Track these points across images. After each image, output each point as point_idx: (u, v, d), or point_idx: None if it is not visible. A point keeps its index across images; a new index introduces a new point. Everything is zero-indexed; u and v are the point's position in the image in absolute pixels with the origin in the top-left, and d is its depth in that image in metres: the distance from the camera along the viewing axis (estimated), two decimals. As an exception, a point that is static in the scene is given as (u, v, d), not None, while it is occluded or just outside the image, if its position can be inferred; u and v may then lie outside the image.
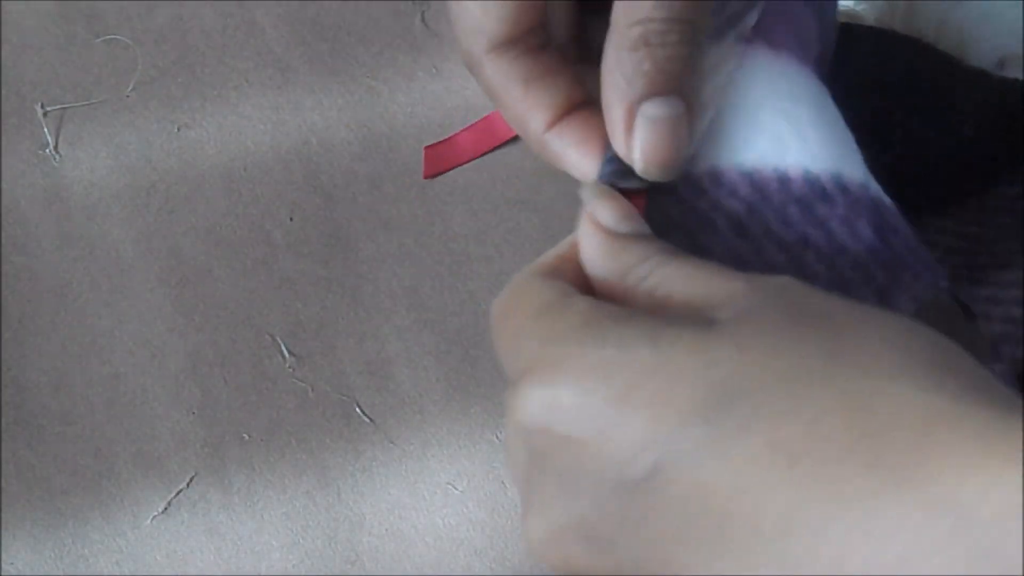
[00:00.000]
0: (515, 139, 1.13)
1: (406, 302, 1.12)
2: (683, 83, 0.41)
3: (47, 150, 1.15)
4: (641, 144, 0.43)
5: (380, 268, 1.13)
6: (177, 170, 1.14)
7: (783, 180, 0.42)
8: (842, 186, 0.41)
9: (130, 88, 1.17)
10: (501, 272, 1.14)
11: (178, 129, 1.16)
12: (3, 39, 1.18)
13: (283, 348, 1.11)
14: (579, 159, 0.45)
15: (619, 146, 0.43)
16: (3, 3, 1.18)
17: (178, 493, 1.08)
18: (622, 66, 0.41)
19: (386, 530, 1.09)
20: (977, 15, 0.47)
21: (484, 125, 1.12)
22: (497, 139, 1.11)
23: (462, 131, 1.13)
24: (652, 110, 0.42)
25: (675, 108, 0.41)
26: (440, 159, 1.10)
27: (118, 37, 1.18)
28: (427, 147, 1.09)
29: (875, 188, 0.41)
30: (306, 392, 1.10)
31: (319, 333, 1.13)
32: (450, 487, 1.09)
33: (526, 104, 0.45)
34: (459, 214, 1.14)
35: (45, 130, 1.15)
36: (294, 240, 1.14)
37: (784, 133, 0.42)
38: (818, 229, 0.41)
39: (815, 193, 0.41)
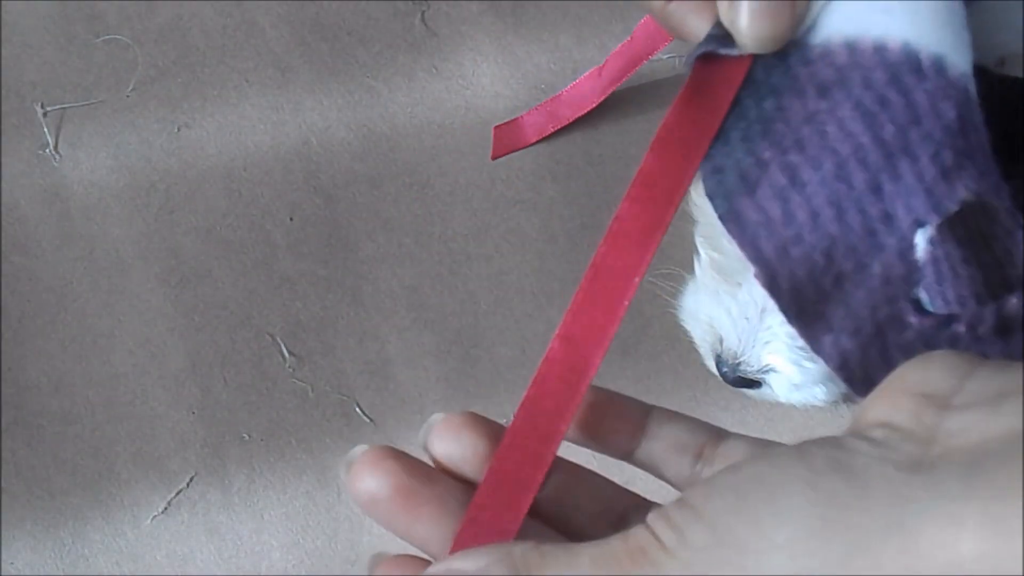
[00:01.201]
0: (577, 121, 1.12)
1: (406, 302, 1.12)
2: None
3: (47, 150, 1.15)
4: (743, 16, 0.43)
5: (380, 268, 1.13)
6: (177, 170, 1.14)
7: (880, 48, 0.42)
8: (940, 68, 0.41)
9: (130, 88, 1.17)
10: (501, 272, 1.14)
11: (178, 129, 1.16)
12: (3, 39, 1.18)
13: (283, 348, 1.11)
14: (699, 24, 0.44)
15: (724, 16, 0.43)
16: (3, 3, 1.18)
17: (178, 493, 1.08)
18: None
19: (386, 531, 1.09)
20: (975, 15, 0.47)
21: (550, 107, 1.12)
22: (561, 121, 1.11)
23: (528, 112, 1.13)
24: None
25: None
26: (508, 140, 1.10)
27: (118, 37, 1.18)
28: (496, 127, 1.09)
29: (974, 87, 0.41)
30: (306, 392, 1.10)
31: (319, 333, 1.13)
32: (450, 487, 1.09)
33: None
34: (459, 214, 1.14)
35: (45, 130, 1.15)
36: (294, 240, 1.14)
37: (898, 8, 0.42)
38: (900, 95, 0.40)
39: (909, 65, 0.41)
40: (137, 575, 1.06)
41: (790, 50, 0.43)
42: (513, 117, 1.14)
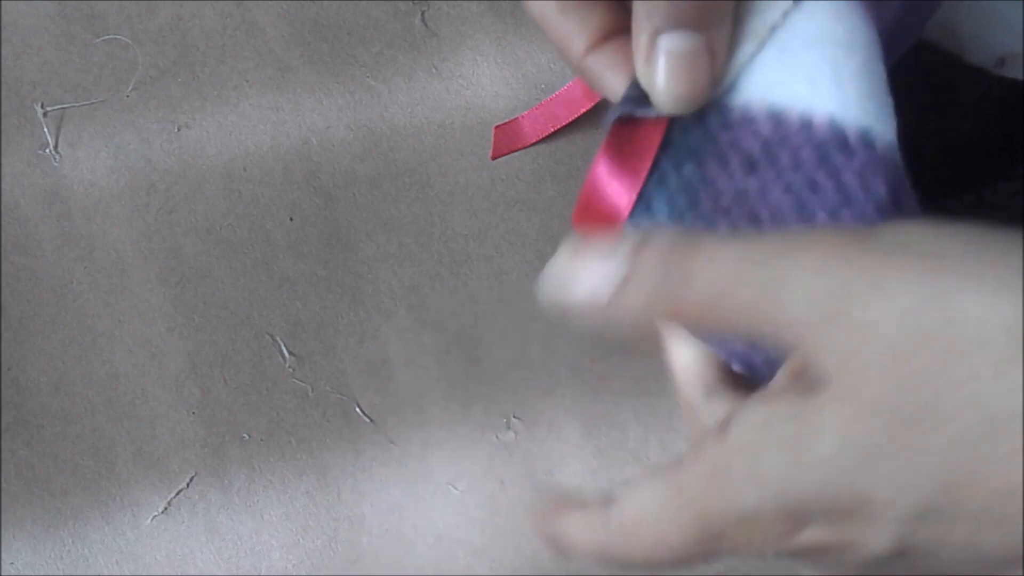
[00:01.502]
0: (577, 121, 1.12)
1: (406, 302, 1.12)
2: (707, 19, 0.41)
3: (47, 150, 1.15)
4: (659, 75, 0.42)
5: (380, 268, 1.13)
6: (177, 170, 1.14)
7: (806, 124, 0.41)
8: (868, 141, 0.41)
9: (130, 88, 1.17)
10: (501, 272, 1.14)
11: (178, 129, 1.16)
12: (3, 39, 1.18)
13: (283, 348, 1.11)
14: (615, 82, 0.44)
15: (640, 74, 0.42)
16: (3, 3, 1.18)
17: (178, 493, 1.08)
18: None
19: (386, 530, 1.09)
20: (976, 15, 0.47)
21: (548, 107, 1.12)
22: (560, 121, 1.11)
23: (527, 112, 1.13)
24: (670, 43, 0.42)
25: (693, 43, 0.41)
26: (507, 140, 1.09)
27: (118, 37, 1.18)
28: (496, 127, 1.09)
29: (899, 155, 0.41)
30: (306, 392, 1.10)
31: (319, 333, 1.13)
32: (450, 487, 1.09)
33: (566, 29, 0.43)
34: (459, 214, 1.14)
35: (45, 130, 1.15)
36: (294, 240, 1.13)
37: (823, 79, 0.41)
38: (829, 177, 0.40)
39: (836, 142, 0.41)
40: (137, 575, 1.06)
41: (708, 110, 0.42)
42: (509, 112, 1.14)
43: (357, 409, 1.09)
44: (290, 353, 1.10)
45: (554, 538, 0.43)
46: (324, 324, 1.11)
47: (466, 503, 1.08)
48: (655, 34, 0.42)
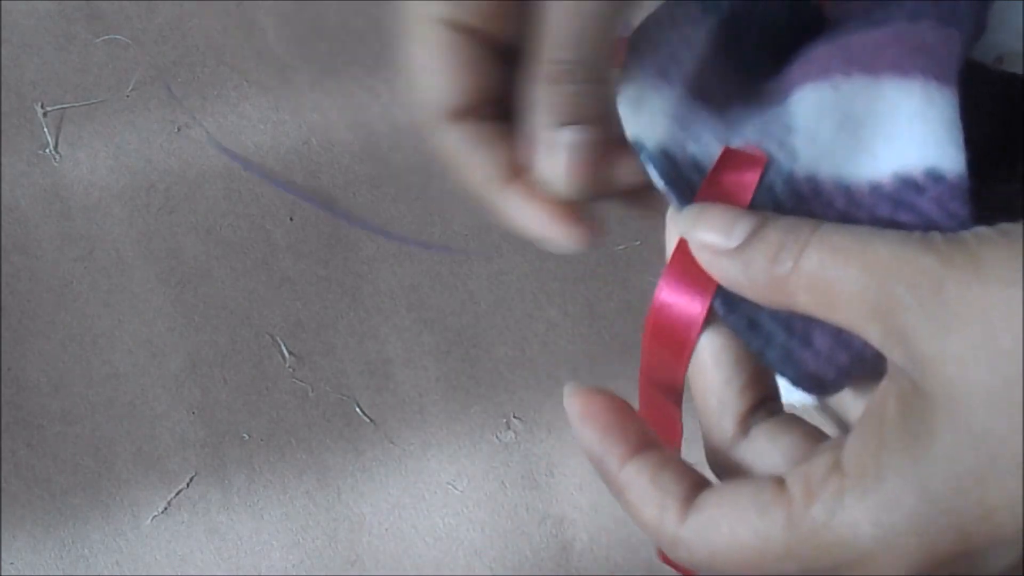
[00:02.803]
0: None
1: (406, 302, 1.12)
2: (593, 114, 0.43)
3: (47, 150, 1.15)
4: (553, 166, 0.44)
5: (380, 268, 1.13)
6: (177, 170, 1.14)
7: (874, 187, 0.42)
8: (937, 176, 0.42)
9: (130, 88, 1.17)
10: (501, 272, 1.14)
11: (178, 129, 1.16)
12: (3, 39, 1.18)
13: (283, 348, 1.11)
14: (527, 218, 0.45)
15: (539, 169, 0.44)
16: (3, 3, 1.18)
17: (178, 493, 1.08)
18: (539, 96, 0.43)
19: (386, 530, 1.09)
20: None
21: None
22: None
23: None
24: (562, 137, 0.44)
25: (581, 135, 0.43)
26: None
27: (118, 37, 1.18)
28: (618, 39, 1.06)
29: (970, 184, 0.42)
30: (306, 392, 1.10)
31: (319, 333, 1.13)
32: (450, 487, 1.09)
33: (479, 167, 0.45)
34: (459, 214, 1.14)
35: (45, 130, 1.15)
36: (294, 240, 1.14)
37: (879, 145, 0.42)
38: (910, 213, 0.41)
39: (906, 186, 0.42)
40: (137, 575, 1.06)
41: (774, 182, 0.43)
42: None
43: (357, 409, 1.09)
44: (290, 353, 1.10)
45: (623, 502, 0.43)
46: (324, 324, 1.11)
47: (466, 503, 1.08)
48: (552, 129, 0.43)
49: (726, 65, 0.46)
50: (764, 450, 0.42)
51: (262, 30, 1.18)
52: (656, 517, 0.41)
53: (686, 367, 0.44)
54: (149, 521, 1.07)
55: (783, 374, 0.42)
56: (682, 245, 0.43)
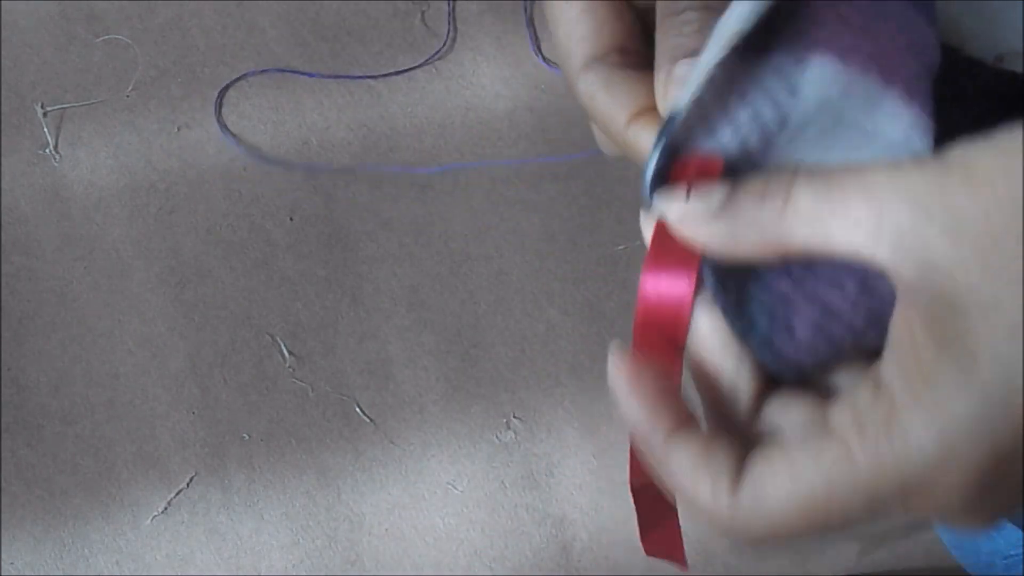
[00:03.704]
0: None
1: (406, 302, 1.12)
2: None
3: (47, 150, 1.15)
4: (673, 97, 0.45)
5: (380, 268, 1.13)
6: (177, 170, 1.14)
7: None
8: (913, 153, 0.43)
9: (130, 88, 1.17)
10: (501, 272, 1.14)
11: (178, 129, 1.16)
12: (3, 39, 1.18)
13: (283, 348, 1.11)
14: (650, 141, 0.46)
15: (660, 104, 0.45)
16: (3, 3, 1.18)
17: (178, 493, 1.08)
18: (664, 34, 0.44)
19: (386, 530, 1.09)
20: (975, 11, 0.47)
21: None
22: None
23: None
24: (682, 69, 0.44)
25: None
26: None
27: (118, 37, 1.18)
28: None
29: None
30: (306, 392, 1.10)
31: (319, 333, 1.13)
32: (450, 487, 1.09)
33: (608, 106, 0.45)
34: (459, 214, 1.14)
35: (45, 130, 1.15)
36: (294, 240, 1.14)
37: (859, 142, 0.44)
38: None
39: None
40: (137, 575, 1.06)
41: (747, 173, 0.43)
42: (509, 112, 1.14)
43: (357, 409, 1.09)
44: (290, 353, 1.10)
45: (667, 484, 0.42)
46: (324, 324, 1.11)
47: (466, 503, 1.08)
48: (671, 65, 0.44)
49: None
50: (780, 419, 0.42)
51: (262, 30, 1.18)
52: (708, 492, 0.40)
53: (683, 348, 0.44)
54: (149, 521, 1.07)
55: (762, 359, 0.42)
56: (658, 235, 0.43)
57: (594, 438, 1.10)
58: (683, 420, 0.42)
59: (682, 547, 0.47)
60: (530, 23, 1.16)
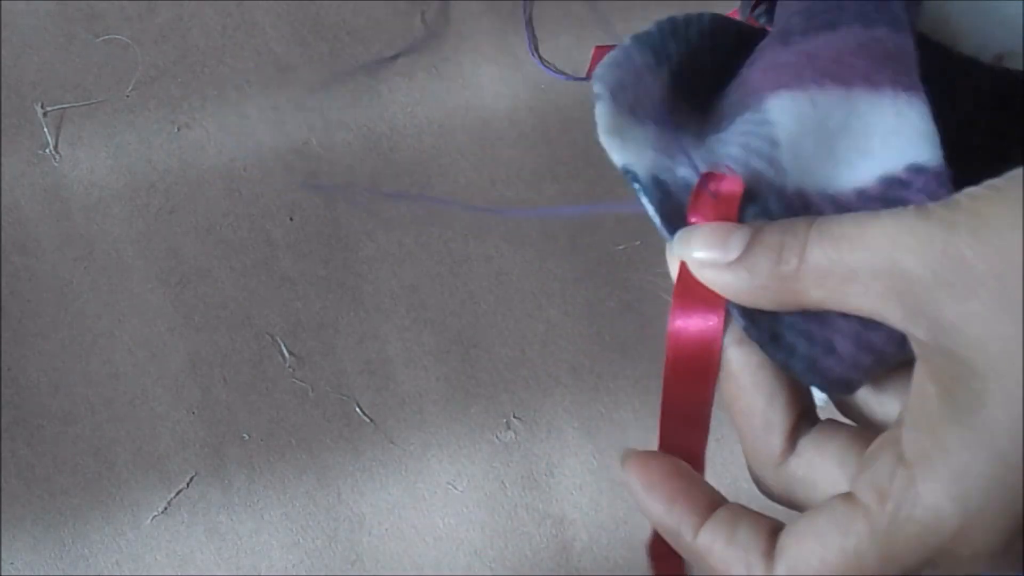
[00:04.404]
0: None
1: (406, 302, 1.12)
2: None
3: (47, 150, 1.15)
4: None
5: (380, 268, 1.13)
6: (177, 170, 1.14)
7: (860, 193, 0.43)
8: (918, 168, 0.42)
9: (130, 88, 1.17)
10: (501, 272, 1.14)
11: (178, 129, 1.16)
12: (3, 39, 1.18)
13: (283, 348, 1.11)
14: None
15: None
16: (3, 3, 1.18)
17: (178, 493, 1.08)
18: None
19: (386, 530, 1.09)
20: (973, 12, 0.47)
21: None
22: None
23: None
24: None
25: None
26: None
27: (118, 37, 1.18)
28: (597, 47, 1.04)
29: (949, 173, 0.43)
30: (306, 392, 1.10)
31: (319, 333, 1.13)
32: (450, 487, 1.09)
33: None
34: (459, 214, 1.14)
35: (45, 130, 1.15)
36: (294, 240, 1.13)
37: (854, 157, 0.43)
38: (898, 204, 0.42)
39: (891, 187, 0.43)
40: (137, 575, 1.06)
41: (768, 196, 0.43)
42: (509, 112, 1.14)
43: (357, 409, 1.09)
44: (290, 353, 1.10)
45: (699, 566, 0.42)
46: (324, 324, 1.11)
47: (466, 503, 1.08)
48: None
49: (691, 104, 0.46)
50: (815, 461, 0.42)
51: (262, 30, 1.18)
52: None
53: (713, 387, 0.44)
54: (149, 521, 1.07)
55: (810, 383, 0.42)
56: (683, 273, 0.43)
57: (594, 438, 1.10)
58: (704, 506, 0.42)
59: None
60: (529, 23, 1.17)
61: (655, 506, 0.42)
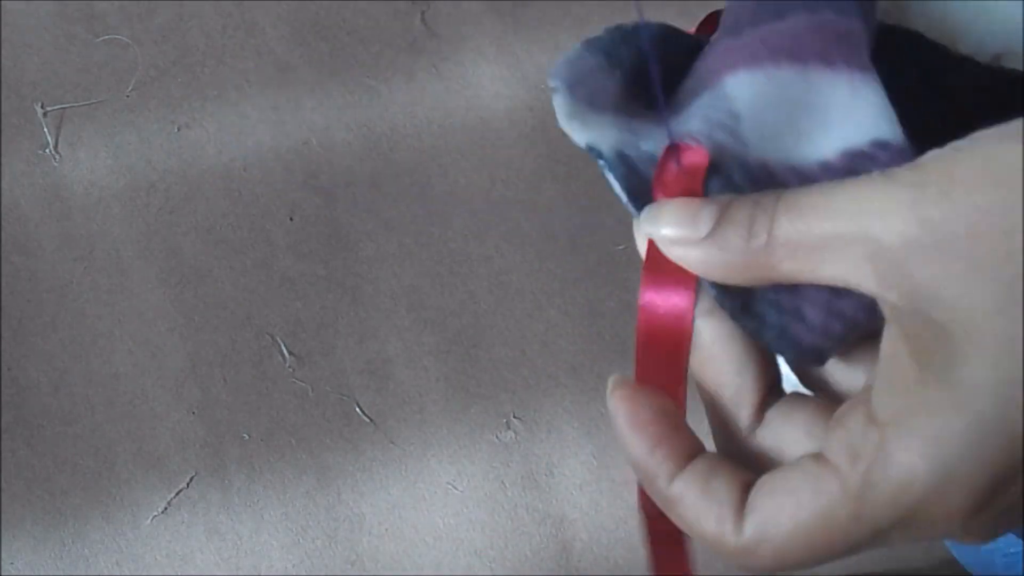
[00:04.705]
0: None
1: (406, 302, 1.12)
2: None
3: (47, 150, 1.15)
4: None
5: (380, 268, 1.13)
6: (177, 170, 1.14)
7: (824, 166, 0.43)
8: (881, 144, 0.43)
9: (130, 88, 1.17)
10: (501, 272, 1.14)
11: (178, 129, 1.16)
12: (3, 39, 1.18)
13: (283, 348, 1.11)
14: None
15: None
16: (3, 3, 1.18)
17: (178, 493, 1.08)
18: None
19: (386, 530, 1.09)
20: (972, 12, 0.47)
21: None
22: None
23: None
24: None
25: None
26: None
27: (118, 37, 1.18)
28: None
29: (911, 147, 0.43)
30: (306, 392, 1.10)
31: (319, 333, 1.13)
32: (450, 487, 1.09)
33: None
34: (459, 214, 1.14)
35: (45, 130, 1.15)
36: (294, 240, 1.14)
37: (814, 130, 0.44)
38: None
39: (855, 160, 0.43)
40: (137, 575, 1.06)
41: (732, 168, 0.44)
42: (509, 112, 1.14)
43: (357, 409, 1.09)
44: (290, 353, 1.10)
45: (672, 519, 0.42)
46: (324, 324, 1.11)
47: (466, 503, 1.08)
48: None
49: (646, 104, 0.46)
50: (782, 431, 0.42)
51: (262, 30, 1.18)
52: (715, 530, 0.40)
53: (686, 362, 0.44)
54: (149, 521, 1.07)
55: (780, 352, 0.42)
56: (652, 249, 0.43)
57: (594, 438, 1.10)
58: (684, 454, 0.42)
59: (692, 573, 0.47)
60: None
61: (637, 447, 0.42)
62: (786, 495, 0.39)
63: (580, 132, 0.43)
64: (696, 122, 0.44)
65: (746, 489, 0.40)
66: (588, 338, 1.11)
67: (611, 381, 0.42)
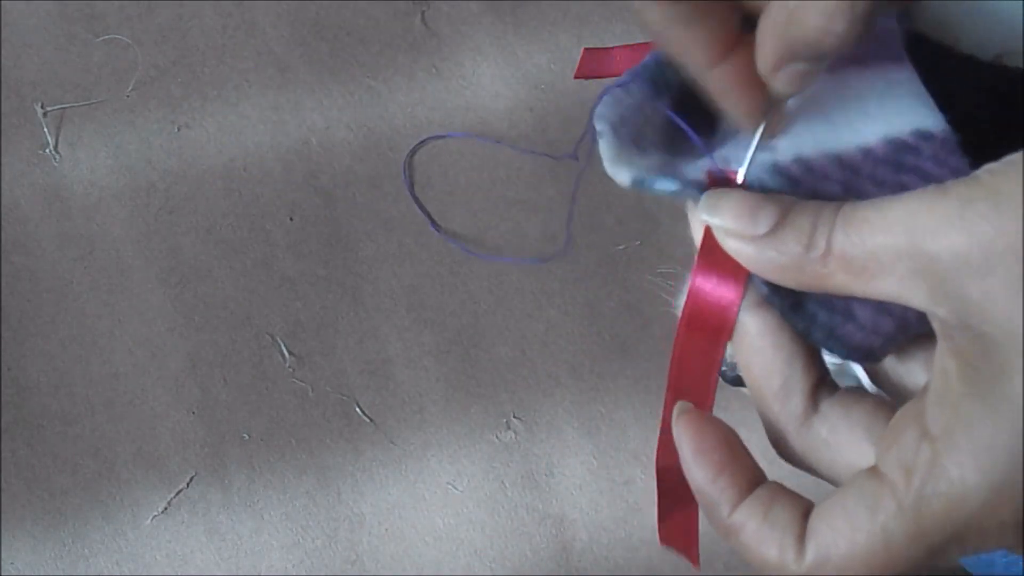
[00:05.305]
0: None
1: (406, 302, 1.12)
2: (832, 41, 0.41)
3: (47, 150, 1.15)
4: (781, 83, 0.43)
5: (380, 268, 1.13)
6: (177, 170, 1.14)
7: (866, 152, 0.43)
8: (925, 135, 0.43)
9: (130, 88, 1.17)
10: (501, 272, 1.14)
11: (178, 129, 1.16)
12: (3, 39, 1.18)
13: (283, 348, 1.11)
14: (739, 100, 0.44)
15: (763, 70, 0.43)
16: (3, 3, 1.18)
17: (178, 493, 1.08)
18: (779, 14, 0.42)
19: (386, 530, 1.09)
20: (973, 11, 0.47)
21: (643, 48, 1.10)
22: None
23: (621, 46, 1.11)
24: (798, 67, 0.42)
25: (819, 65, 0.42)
26: (594, 65, 1.08)
27: (118, 37, 1.18)
28: (586, 49, 1.05)
29: (955, 137, 0.43)
30: (306, 392, 1.10)
31: (319, 333, 1.13)
32: (450, 487, 1.09)
33: (689, 41, 0.44)
34: (459, 214, 1.14)
35: (45, 130, 1.15)
36: (294, 240, 1.14)
37: (855, 119, 0.44)
38: (911, 174, 0.42)
39: (899, 149, 0.43)
40: (137, 575, 1.06)
41: (765, 179, 0.43)
42: (509, 112, 1.14)
43: (357, 409, 1.09)
44: (290, 353, 1.10)
45: (737, 549, 0.42)
46: (324, 324, 1.11)
47: (466, 503, 1.08)
48: (787, 51, 0.42)
49: (697, 122, 0.46)
50: (839, 425, 0.42)
51: (262, 30, 1.18)
52: (777, 558, 0.41)
53: (723, 350, 0.44)
54: (149, 521, 1.07)
55: (831, 350, 0.42)
56: (708, 236, 0.43)
57: (594, 438, 1.10)
58: (746, 482, 0.42)
59: (697, 542, 0.47)
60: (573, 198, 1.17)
61: (701, 474, 0.42)
62: (843, 518, 0.40)
63: (626, 171, 0.43)
64: (729, 147, 0.43)
65: (805, 515, 0.40)
66: (588, 338, 1.11)
67: (676, 408, 0.43)
